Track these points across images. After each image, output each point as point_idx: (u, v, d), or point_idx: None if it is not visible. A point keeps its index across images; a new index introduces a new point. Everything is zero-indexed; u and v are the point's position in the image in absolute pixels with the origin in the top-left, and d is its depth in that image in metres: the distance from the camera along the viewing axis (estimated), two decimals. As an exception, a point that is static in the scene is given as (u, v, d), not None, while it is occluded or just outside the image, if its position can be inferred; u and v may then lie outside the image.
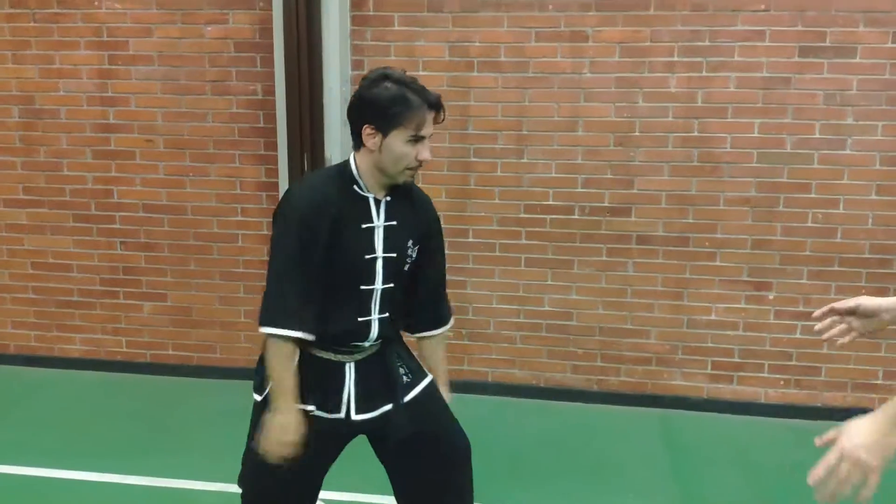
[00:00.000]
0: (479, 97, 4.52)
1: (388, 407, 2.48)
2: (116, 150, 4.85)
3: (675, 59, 4.31)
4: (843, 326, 2.07)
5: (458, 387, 4.70)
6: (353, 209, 2.34)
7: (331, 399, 2.41)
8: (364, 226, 2.35)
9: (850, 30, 4.18)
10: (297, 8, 4.32)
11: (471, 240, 4.66)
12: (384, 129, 2.26)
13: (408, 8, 4.48)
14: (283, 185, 4.52)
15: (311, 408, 2.37)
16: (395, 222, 2.39)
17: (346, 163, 2.38)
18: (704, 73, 4.30)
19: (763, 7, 4.21)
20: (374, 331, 2.41)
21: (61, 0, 4.71)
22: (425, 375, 2.60)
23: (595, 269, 4.57)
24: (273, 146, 4.60)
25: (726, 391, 4.59)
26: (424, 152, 2.29)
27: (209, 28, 4.63)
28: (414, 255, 2.48)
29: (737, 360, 4.55)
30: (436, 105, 2.28)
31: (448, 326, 2.68)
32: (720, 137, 4.34)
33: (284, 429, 2.29)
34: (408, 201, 2.46)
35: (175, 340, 5.03)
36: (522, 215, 4.57)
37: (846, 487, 1.61)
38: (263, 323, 2.29)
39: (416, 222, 2.47)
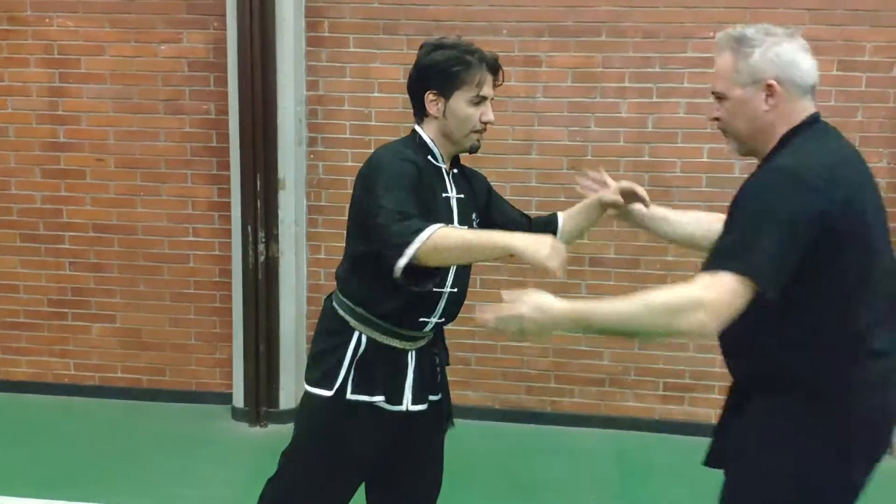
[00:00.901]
0: (434, 119, 4.54)
1: (436, 398, 2.50)
2: (66, 168, 4.78)
3: (627, 84, 4.38)
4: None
5: None
6: (432, 178, 2.35)
7: (395, 390, 2.40)
8: (444, 195, 2.36)
9: (795, 58, 4.28)
10: (251, 28, 4.31)
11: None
12: (446, 91, 2.29)
13: (363, 30, 4.50)
14: (236, 205, 4.49)
15: (379, 398, 2.36)
16: (462, 195, 2.42)
17: (415, 133, 2.39)
18: (655, 99, 4.38)
19: (712, 35, 4.28)
20: (442, 305, 2.39)
21: (11, 17, 4.65)
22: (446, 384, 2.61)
23: (549, 291, 4.58)
24: (226, 166, 4.57)
25: (678, 412, 4.63)
26: (489, 113, 2.34)
27: (163, 47, 4.61)
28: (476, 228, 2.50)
29: (688, 381, 4.60)
30: (494, 65, 2.33)
31: (560, 216, 2.70)
32: (670, 162, 4.41)
33: (546, 244, 2.02)
34: (464, 175, 2.49)
35: (124, 363, 4.94)
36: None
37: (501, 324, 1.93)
38: (401, 245, 2.08)
39: (475, 196, 2.50)
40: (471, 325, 4.61)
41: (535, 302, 1.90)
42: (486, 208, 2.58)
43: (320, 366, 2.40)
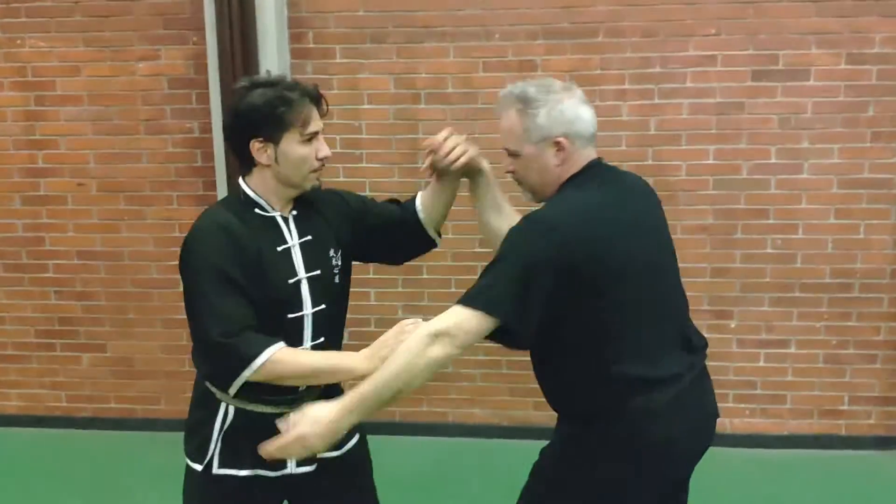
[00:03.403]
0: (428, 130, 4.35)
1: (335, 453, 2.32)
2: (47, 195, 4.60)
3: (626, 86, 4.20)
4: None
5: (416, 429, 4.62)
6: (262, 233, 2.15)
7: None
8: (280, 248, 2.17)
9: (802, 52, 4.10)
10: (231, 42, 4.13)
11: (425, 276, 4.49)
12: (274, 136, 2.09)
13: (350, 40, 4.31)
14: (225, 227, 4.32)
15: (247, 472, 2.21)
16: (310, 237, 2.23)
17: (239, 190, 2.20)
18: (656, 101, 4.20)
19: (714, 32, 4.12)
20: None
21: (-19, 39, 4.47)
22: (356, 432, 2.43)
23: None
24: (212, 186, 4.39)
25: (691, 423, 4.48)
26: (323, 149, 2.16)
27: (140, 65, 4.42)
28: (340, 263, 2.30)
29: (701, 391, 4.44)
30: (316, 97, 2.15)
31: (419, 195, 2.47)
32: (675, 165, 4.24)
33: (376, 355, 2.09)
34: (314, 209, 2.29)
35: (117, 392, 4.79)
36: (477, 250, 4.39)
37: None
38: (230, 372, 2.04)
39: (330, 228, 2.30)
40: (474, 340, 4.52)
41: (309, 417, 1.98)
42: (361, 221, 2.37)
43: (193, 438, 2.28)
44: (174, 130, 4.48)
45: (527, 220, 2.02)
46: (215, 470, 2.21)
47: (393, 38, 4.28)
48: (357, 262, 2.41)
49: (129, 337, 4.71)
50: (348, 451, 2.36)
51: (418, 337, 1.94)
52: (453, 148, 2.30)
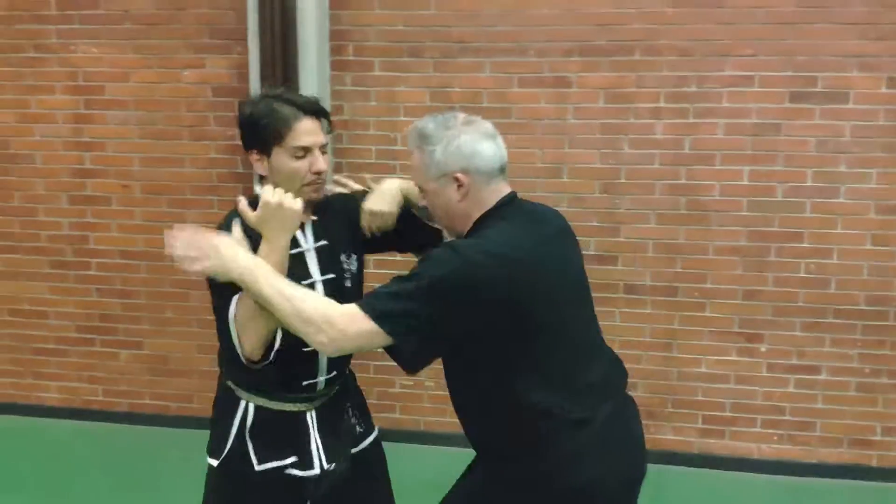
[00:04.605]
0: (462, 142, 4.41)
1: (357, 450, 2.40)
2: (92, 195, 4.75)
3: (662, 105, 4.19)
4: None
5: (389, 436, 4.56)
6: None
7: (303, 455, 2.29)
8: (294, 251, 2.18)
9: (842, 75, 4.05)
10: (273, 52, 4.23)
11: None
12: (265, 149, 2.14)
13: (388, 53, 4.38)
14: (261, 232, 4.41)
15: (292, 459, 2.26)
16: (325, 242, 2.27)
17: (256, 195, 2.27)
18: (691, 120, 4.18)
19: (751, 52, 4.09)
20: (324, 363, 2.26)
21: (37, 45, 4.63)
22: (373, 429, 2.52)
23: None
24: (251, 192, 4.47)
25: (718, 446, 4.42)
26: (318, 163, 2.14)
27: (186, 72, 4.55)
28: (354, 268, 2.34)
29: (728, 414, 4.38)
30: (312, 110, 2.16)
31: None
32: (708, 185, 4.21)
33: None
34: (333, 215, 2.33)
35: (152, 389, 4.91)
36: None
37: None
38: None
39: (345, 234, 2.34)
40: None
41: (229, 247, 2.01)
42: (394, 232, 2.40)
43: (213, 434, 2.34)
44: (216, 137, 4.60)
45: (446, 246, 2.03)
46: (257, 467, 2.24)
47: (429, 52, 4.34)
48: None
49: (166, 335, 4.83)
50: (363, 449, 2.44)
51: (322, 316, 1.92)
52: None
